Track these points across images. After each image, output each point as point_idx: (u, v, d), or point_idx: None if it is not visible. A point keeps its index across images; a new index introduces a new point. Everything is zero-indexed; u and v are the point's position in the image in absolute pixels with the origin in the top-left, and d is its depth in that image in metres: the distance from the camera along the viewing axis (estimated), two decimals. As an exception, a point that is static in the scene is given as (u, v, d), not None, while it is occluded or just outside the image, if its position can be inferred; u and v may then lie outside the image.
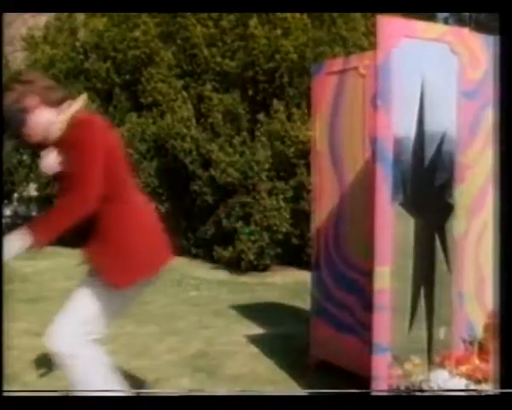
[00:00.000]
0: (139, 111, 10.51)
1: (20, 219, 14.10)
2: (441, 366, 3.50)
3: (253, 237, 8.91)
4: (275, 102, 9.23)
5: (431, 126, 3.62)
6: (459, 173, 3.70)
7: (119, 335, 5.69)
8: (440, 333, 3.65)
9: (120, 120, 10.65)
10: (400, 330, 3.59)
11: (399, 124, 3.55)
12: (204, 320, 6.30)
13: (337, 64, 4.59)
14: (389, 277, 3.53)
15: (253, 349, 5.30)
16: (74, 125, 3.01)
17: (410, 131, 3.59)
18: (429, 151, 3.63)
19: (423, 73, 3.59)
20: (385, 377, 3.49)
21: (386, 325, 3.54)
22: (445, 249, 3.67)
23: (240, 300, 7.29)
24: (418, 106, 3.59)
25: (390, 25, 3.53)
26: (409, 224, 3.60)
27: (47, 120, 3.06)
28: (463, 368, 3.45)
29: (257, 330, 5.95)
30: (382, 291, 3.53)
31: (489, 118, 3.82)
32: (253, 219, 9.02)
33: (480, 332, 3.77)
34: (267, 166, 9.06)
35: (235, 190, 9.28)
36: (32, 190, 12.85)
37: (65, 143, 3.01)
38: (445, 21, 17.19)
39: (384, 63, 3.51)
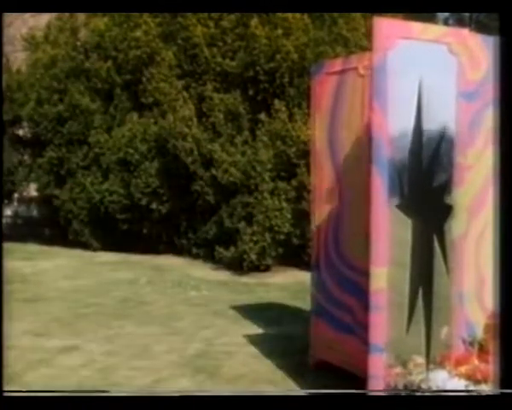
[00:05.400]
0: (140, 111, 10.51)
1: (21, 219, 14.11)
2: (441, 366, 3.49)
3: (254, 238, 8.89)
4: (276, 101, 9.22)
5: (429, 127, 3.61)
6: (458, 174, 3.69)
7: (119, 335, 5.70)
8: (440, 333, 3.64)
9: (121, 119, 10.65)
10: (399, 331, 3.58)
11: (396, 125, 3.54)
12: (204, 320, 6.30)
13: (337, 64, 4.59)
14: (385, 277, 3.52)
15: (253, 349, 5.30)
16: None
17: (407, 133, 3.58)
18: (427, 152, 3.62)
19: (421, 75, 3.58)
20: (382, 376, 3.48)
21: (383, 325, 3.53)
22: (443, 250, 3.66)
23: (240, 300, 7.28)
24: (416, 107, 3.58)
25: (386, 26, 3.53)
26: (406, 225, 3.60)
27: None
28: (463, 368, 3.44)
29: (257, 330, 5.95)
30: (378, 292, 3.52)
31: (489, 118, 3.81)
32: (255, 220, 9.01)
33: (480, 333, 3.76)
34: (269, 166, 9.05)
35: (237, 190, 9.27)
36: (32, 190, 12.85)
37: None
38: (445, 22, 17.18)
39: (380, 64, 3.50)
